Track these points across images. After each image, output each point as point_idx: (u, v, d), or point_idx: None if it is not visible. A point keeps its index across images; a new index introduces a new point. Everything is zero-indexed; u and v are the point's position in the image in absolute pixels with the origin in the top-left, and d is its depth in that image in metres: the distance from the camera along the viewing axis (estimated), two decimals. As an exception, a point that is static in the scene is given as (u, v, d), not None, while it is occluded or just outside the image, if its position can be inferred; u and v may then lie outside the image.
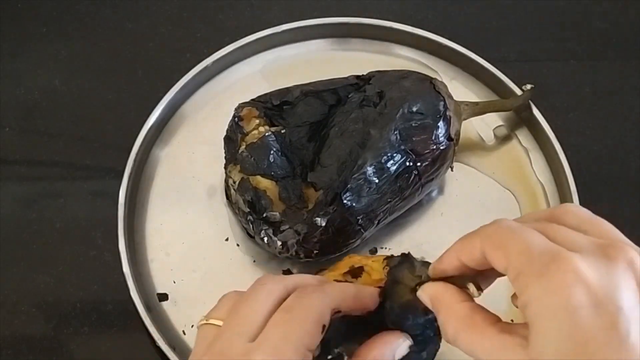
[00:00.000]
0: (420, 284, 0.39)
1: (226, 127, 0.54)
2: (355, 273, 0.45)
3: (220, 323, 0.38)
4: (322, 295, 0.37)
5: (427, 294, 0.38)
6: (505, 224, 0.34)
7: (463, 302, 0.35)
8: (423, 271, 0.40)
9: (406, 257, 0.42)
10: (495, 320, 0.34)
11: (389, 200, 0.51)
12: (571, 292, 0.30)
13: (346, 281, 0.45)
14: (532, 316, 0.31)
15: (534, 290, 0.30)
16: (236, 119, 0.52)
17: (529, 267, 0.31)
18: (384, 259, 0.44)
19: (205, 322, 0.39)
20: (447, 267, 0.37)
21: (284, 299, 0.38)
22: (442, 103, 0.53)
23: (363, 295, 0.40)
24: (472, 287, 0.36)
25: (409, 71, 0.55)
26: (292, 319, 0.36)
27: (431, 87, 0.53)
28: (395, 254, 0.56)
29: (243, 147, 0.51)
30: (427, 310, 0.39)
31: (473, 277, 0.36)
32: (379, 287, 0.41)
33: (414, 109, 0.51)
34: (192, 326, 0.53)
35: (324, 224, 0.48)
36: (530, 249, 0.32)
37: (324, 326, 0.37)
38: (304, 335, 0.35)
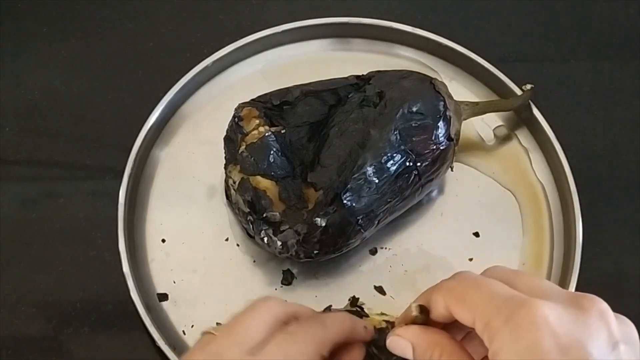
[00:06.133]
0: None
1: (226, 127, 0.54)
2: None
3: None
4: (324, 328, 0.38)
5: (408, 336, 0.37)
6: (466, 276, 0.34)
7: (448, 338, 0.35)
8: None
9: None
10: None
11: (389, 200, 0.51)
12: (539, 336, 0.30)
13: None
14: None
15: (503, 337, 0.31)
16: (236, 119, 0.52)
17: (496, 314, 0.31)
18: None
19: (206, 330, 0.39)
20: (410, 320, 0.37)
21: (284, 322, 0.38)
22: (442, 103, 0.53)
23: (359, 328, 0.41)
24: (414, 309, 0.36)
25: (409, 71, 0.55)
26: (294, 342, 0.36)
27: (431, 87, 0.53)
28: (396, 254, 0.56)
29: (243, 147, 0.51)
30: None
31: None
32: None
33: (414, 109, 0.51)
34: (192, 326, 0.53)
35: (324, 224, 0.48)
36: (497, 297, 0.32)
37: (323, 357, 0.37)
38: None
